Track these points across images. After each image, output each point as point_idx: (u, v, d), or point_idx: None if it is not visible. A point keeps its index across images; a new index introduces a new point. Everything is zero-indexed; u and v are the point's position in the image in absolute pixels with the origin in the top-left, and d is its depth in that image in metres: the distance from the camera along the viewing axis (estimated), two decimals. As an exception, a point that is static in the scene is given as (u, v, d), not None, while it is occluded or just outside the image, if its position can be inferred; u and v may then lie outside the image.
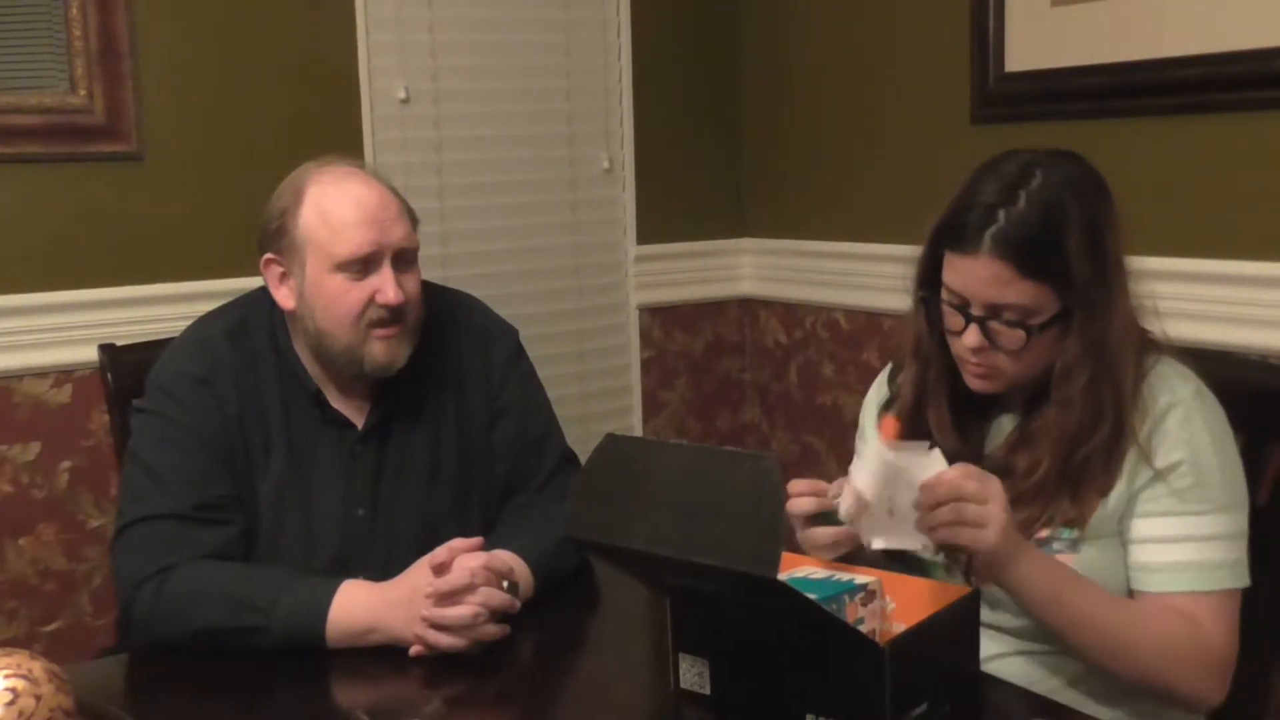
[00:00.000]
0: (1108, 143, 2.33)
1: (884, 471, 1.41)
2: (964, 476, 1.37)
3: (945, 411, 1.59)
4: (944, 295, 1.52)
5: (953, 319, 1.52)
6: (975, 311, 1.48)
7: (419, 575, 1.58)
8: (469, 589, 1.54)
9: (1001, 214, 1.45)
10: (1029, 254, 1.44)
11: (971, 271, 1.47)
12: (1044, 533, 1.51)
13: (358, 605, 1.58)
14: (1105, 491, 1.49)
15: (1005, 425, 1.60)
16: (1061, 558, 1.50)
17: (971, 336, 1.49)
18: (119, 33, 2.45)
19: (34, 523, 2.48)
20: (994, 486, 1.38)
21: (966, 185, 1.51)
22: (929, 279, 1.56)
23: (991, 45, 2.51)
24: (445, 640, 1.53)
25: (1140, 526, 1.49)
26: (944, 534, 1.37)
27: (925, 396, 1.61)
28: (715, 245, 3.24)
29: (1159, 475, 1.47)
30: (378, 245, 1.69)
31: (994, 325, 1.47)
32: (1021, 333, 1.46)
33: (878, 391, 1.76)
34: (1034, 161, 1.49)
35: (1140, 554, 1.49)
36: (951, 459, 1.59)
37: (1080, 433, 1.49)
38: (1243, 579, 1.47)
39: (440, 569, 1.57)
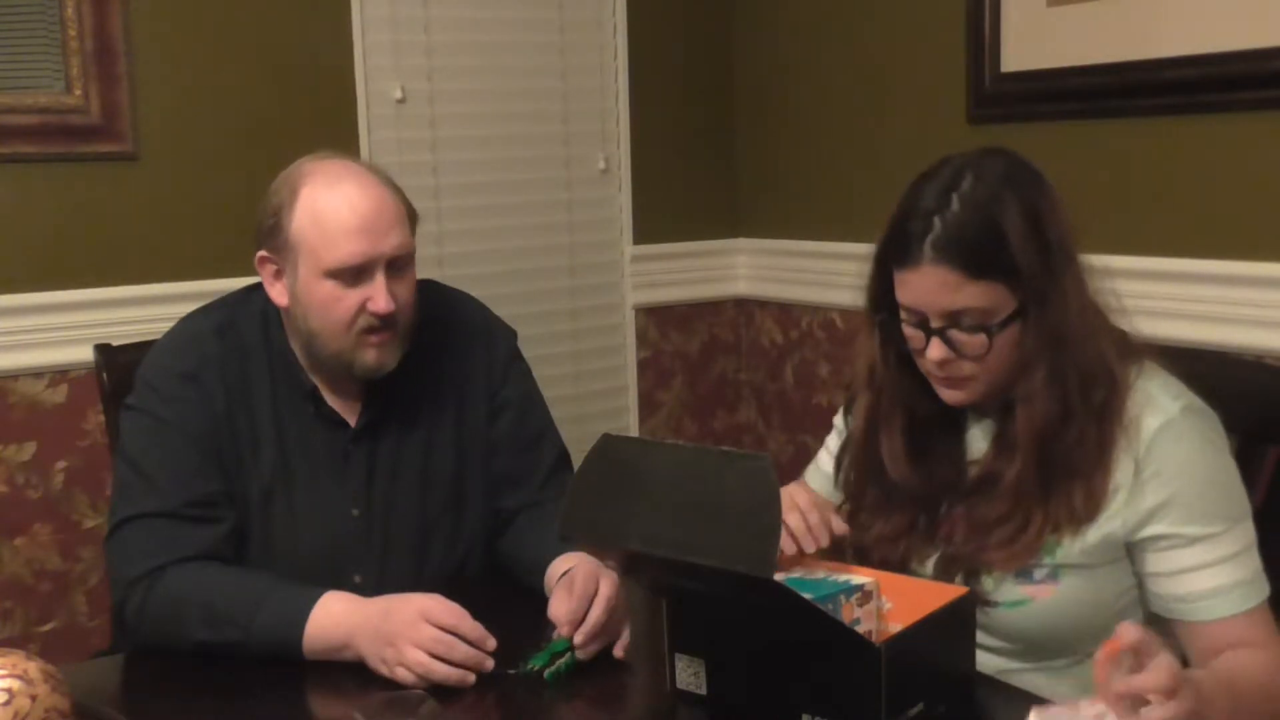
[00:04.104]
0: (1103, 143, 2.33)
1: None
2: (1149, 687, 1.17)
3: (899, 440, 1.57)
4: (901, 315, 1.50)
5: (914, 337, 1.50)
6: (934, 324, 1.46)
7: (407, 613, 1.52)
8: (480, 666, 1.50)
9: (938, 221, 1.44)
10: (972, 255, 1.43)
11: (920, 283, 1.45)
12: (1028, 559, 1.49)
13: (333, 621, 1.56)
14: (1097, 496, 1.47)
15: (978, 439, 1.58)
16: (1042, 587, 1.49)
17: (935, 350, 1.47)
18: (114, 32, 2.45)
19: (29, 523, 2.48)
20: (1163, 669, 1.16)
21: (901, 200, 1.50)
22: (883, 302, 1.54)
23: (987, 45, 2.51)
24: (410, 680, 1.48)
25: (1165, 560, 1.46)
26: None
27: (878, 426, 1.59)
28: (711, 245, 3.25)
29: (1167, 505, 1.45)
30: (369, 257, 1.66)
31: (955, 334, 1.45)
32: (983, 336, 1.45)
33: (840, 420, 1.75)
34: (964, 165, 1.48)
35: (1175, 586, 1.45)
36: (906, 490, 1.57)
37: (1048, 427, 1.46)
38: (1267, 586, 1.46)
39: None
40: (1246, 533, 1.46)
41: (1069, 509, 1.47)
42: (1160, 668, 1.15)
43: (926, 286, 1.45)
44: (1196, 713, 1.17)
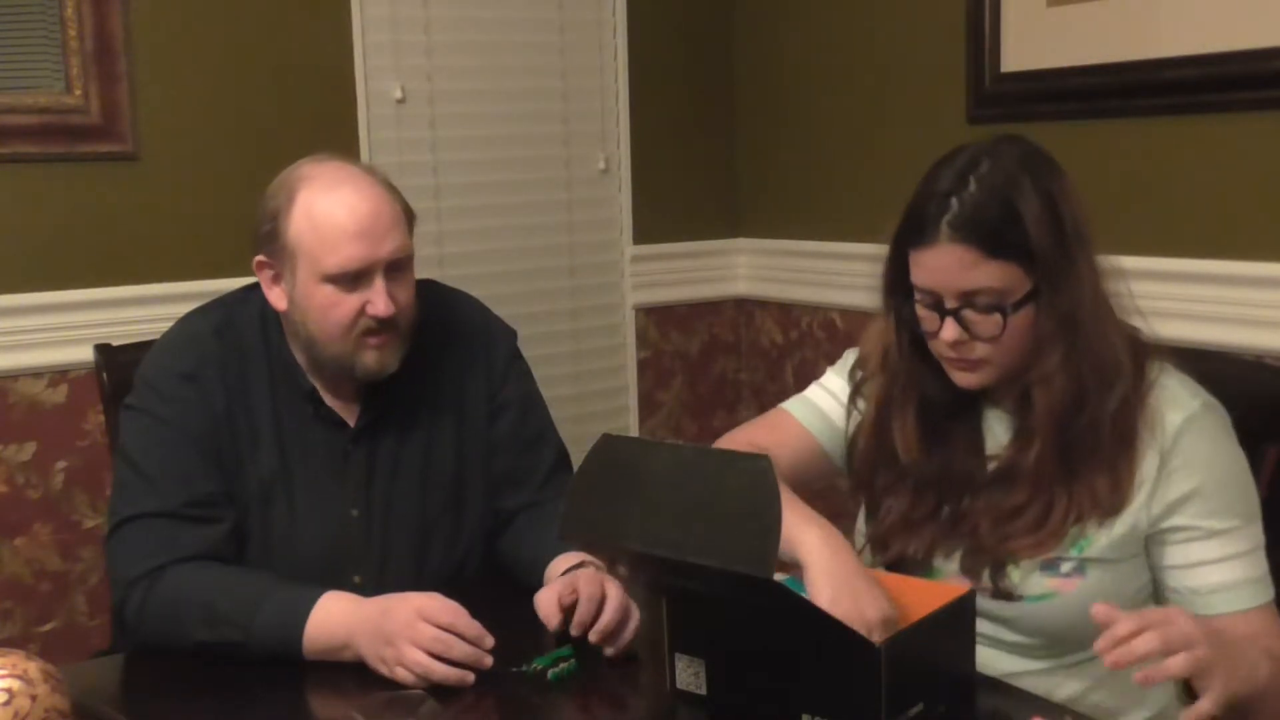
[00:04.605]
0: (1103, 143, 2.33)
1: None
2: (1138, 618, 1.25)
3: (911, 422, 1.58)
4: (917, 297, 1.51)
5: (929, 319, 1.51)
6: (949, 304, 1.47)
7: (405, 612, 1.52)
8: (479, 663, 1.50)
9: (954, 201, 1.45)
10: (988, 233, 1.44)
11: (936, 262, 1.46)
12: (1052, 553, 1.49)
13: (333, 621, 1.56)
14: (1123, 489, 1.47)
15: (998, 433, 1.59)
16: (1068, 580, 1.49)
17: (949, 331, 1.47)
18: (114, 32, 2.45)
19: (29, 523, 2.48)
20: (1172, 610, 1.29)
21: (918, 186, 1.51)
22: (898, 286, 1.55)
23: (987, 45, 2.51)
24: (409, 680, 1.49)
25: (1183, 552, 1.47)
26: (1175, 667, 1.24)
27: (890, 410, 1.60)
28: (711, 245, 3.25)
29: (1187, 499, 1.46)
30: (367, 261, 1.66)
31: (969, 315, 1.46)
32: (998, 316, 1.45)
33: (842, 367, 1.75)
34: (980, 150, 1.50)
35: (1190, 579, 1.47)
36: (918, 475, 1.57)
37: (1066, 409, 1.47)
38: (1273, 589, 1.47)
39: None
40: (1258, 533, 1.48)
41: (1092, 496, 1.48)
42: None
43: (942, 265, 1.46)
44: (1211, 655, 1.23)
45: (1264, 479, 1.60)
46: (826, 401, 1.74)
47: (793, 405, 1.76)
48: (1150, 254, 2.23)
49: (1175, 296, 2.18)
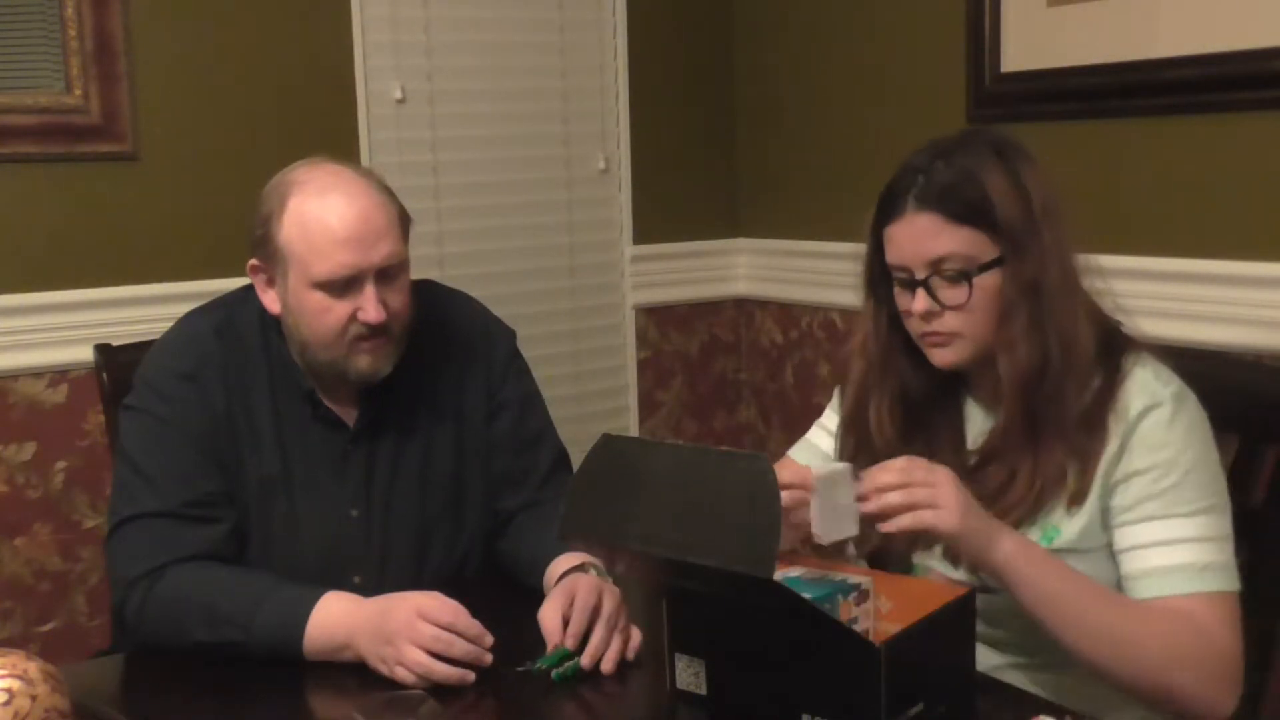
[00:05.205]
0: (1103, 143, 2.33)
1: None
2: (908, 463, 1.41)
3: (887, 406, 1.60)
4: (894, 278, 1.55)
5: (903, 298, 1.54)
6: (919, 275, 1.51)
7: (404, 611, 1.52)
8: (479, 661, 1.50)
9: (921, 177, 1.51)
10: (953, 200, 1.48)
11: (903, 233, 1.51)
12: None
13: (333, 621, 1.56)
14: (1091, 474, 1.48)
15: (977, 421, 1.60)
16: None
17: (920, 302, 1.51)
18: (114, 32, 2.45)
19: (29, 523, 2.48)
20: (941, 471, 1.40)
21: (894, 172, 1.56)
22: (878, 277, 1.59)
23: (987, 45, 2.51)
24: (410, 679, 1.49)
25: (1127, 535, 1.47)
26: (903, 521, 1.38)
27: (868, 395, 1.62)
28: (711, 245, 3.25)
29: (1130, 478, 1.47)
30: (357, 269, 1.65)
31: (937, 283, 1.50)
32: (965, 285, 1.49)
33: (836, 402, 1.76)
34: (952, 139, 1.55)
35: (1131, 562, 1.47)
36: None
37: (1029, 376, 1.49)
38: (1235, 582, 1.45)
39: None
40: (1216, 524, 1.46)
41: (1057, 468, 1.49)
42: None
43: (910, 235, 1.51)
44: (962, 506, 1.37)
45: (1264, 479, 1.59)
46: (825, 440, 1.75)
47: (793, 450, 1.79)
48: (1149, 254, 2.23)
49: (1175, 296, 2.18)
